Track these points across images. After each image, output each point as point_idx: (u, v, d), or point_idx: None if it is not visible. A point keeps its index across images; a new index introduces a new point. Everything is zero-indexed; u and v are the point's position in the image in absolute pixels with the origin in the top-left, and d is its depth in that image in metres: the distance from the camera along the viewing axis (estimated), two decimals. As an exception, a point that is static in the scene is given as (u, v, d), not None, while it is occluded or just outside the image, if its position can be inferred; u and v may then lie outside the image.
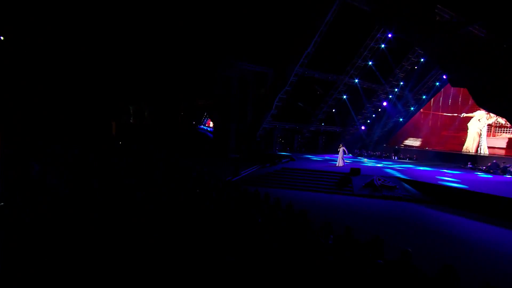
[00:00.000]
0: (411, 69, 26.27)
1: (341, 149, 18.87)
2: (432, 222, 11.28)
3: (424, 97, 28.12)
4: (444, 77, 25.99)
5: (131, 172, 9.77)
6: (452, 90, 27.18)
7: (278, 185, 16.02)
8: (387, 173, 16.75)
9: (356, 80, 25.52)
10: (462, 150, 24.84)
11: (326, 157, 24.32)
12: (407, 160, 25.47)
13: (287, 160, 20.76)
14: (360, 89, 25.97)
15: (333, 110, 27.51)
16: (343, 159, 19.08)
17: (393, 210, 12.89)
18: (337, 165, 18.09)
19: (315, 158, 23.32)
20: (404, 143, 28.66)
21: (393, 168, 19.15)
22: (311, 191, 15.31)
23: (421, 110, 28.27)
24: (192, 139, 29.71)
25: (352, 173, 16.15)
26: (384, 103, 27.95)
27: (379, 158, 26.19)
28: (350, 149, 26.88)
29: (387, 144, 28.94)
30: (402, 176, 15.76)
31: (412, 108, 28.74)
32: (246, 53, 23.58)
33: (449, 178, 16.34)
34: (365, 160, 24.38)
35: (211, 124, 36.53)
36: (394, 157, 26.42)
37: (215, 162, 21.49)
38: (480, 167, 21.49)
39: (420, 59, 25.64)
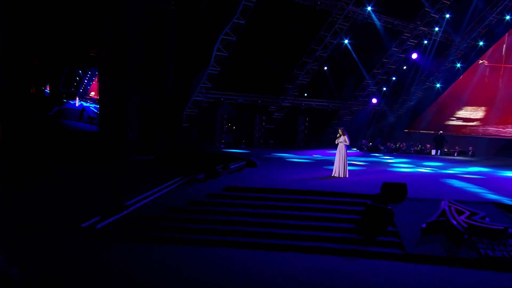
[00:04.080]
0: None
1: (342, 138, 15.71)
2: None
3: (481, 43, 26.53)
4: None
5: None
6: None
7: (218, 236, 10.95)
8: (458, 190, 14.02)
9: (369, 8, 22.93)
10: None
11: (315, 155, 22.38)
12: (456, 156, 24.25)
13: (240, 165, 17.31)
14: (379, 25, 23.94)
15: (325, 68, 26.65)
16: (346, 160, 15.86)
17: None
18: (333, 174, 15.58)
19: (295, 158, 21.26)
20: (457, 115, 28.01)
21: (456, 176, 16.88)
22: (302, 250, 10.36)
23: (485, 62, 26.72)
24: (56, 127, 25.79)
25: (387, 194, 12.23)
26: (414, 55, 26.46)
27: (407, 153, 25.10)
28: (353, 139, 25.66)
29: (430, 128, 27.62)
30: (504, 200, 12.28)
31: (459, 65, 27.63)
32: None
33: None
34: (389, 158, 22.71)
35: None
36: (437, 152, 24.66)
37: (92, 175, 17.50)
38: None
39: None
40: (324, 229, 10.93)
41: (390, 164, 19.83)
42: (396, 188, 12.14)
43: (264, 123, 25.89)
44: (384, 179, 13.01)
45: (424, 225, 10.54)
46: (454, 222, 10.44)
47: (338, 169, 15.17)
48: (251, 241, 10.43)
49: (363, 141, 26.53)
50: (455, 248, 10.01)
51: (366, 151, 25.35)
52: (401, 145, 25.61)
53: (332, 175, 15.21)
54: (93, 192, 14.26)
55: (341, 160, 15.24)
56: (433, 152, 24.57)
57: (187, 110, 22.92)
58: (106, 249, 9.49)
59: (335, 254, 9.97)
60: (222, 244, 10.32)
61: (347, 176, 15.12)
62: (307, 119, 26.96)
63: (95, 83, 30.96)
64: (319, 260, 9.62)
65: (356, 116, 28.05)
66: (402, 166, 19.42)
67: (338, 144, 15.41)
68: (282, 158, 20.73)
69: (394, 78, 27.26)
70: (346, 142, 15.38)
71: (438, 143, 24.73)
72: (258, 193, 12.87)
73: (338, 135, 15.57)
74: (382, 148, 25.69)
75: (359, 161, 19.98)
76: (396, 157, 23.15)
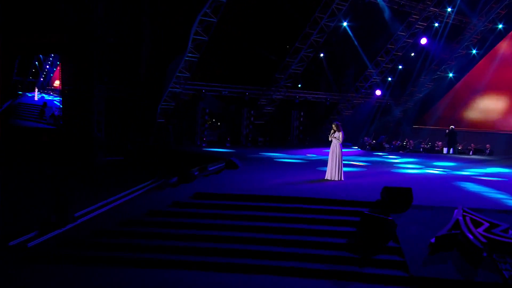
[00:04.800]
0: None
1: (337, 135, 15.44)
2: None
3: (500, 26, 26.77)
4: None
5: None
6: None
7: (179, 255, 10.43)
8: (474, 195, 13.84)
9: (372, -15, 23.60)
10: None
11: (309, 155, 22.66)
12: (471, 155, 24.61)
13: (220, 167, 17.05)
14: (383, 5, 24.02)
15: (321, 55, 26.95)
16: (341, 160, 15.57)
17: None
18: (326, 177, 15.39)
19: (286, 158, 21.60)
20: (472, 109, 28.14)
21: (472, 178, 16.89)
22: (283, 273, 9.94)
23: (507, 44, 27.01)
24: (7, 130, 24.19)
25: (389, 201, 11.97)
26: (423, 40, 26.81)
27: (415, 152, 25.40)
28: (355, 136, 26.99)
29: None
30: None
31: (474, 51, 27.84)
32: None
33: None
34: (394, 158, 23.00)
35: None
36: (449, 151, 25.00)
37: (44, 180, 16.79)
38: None
39: None
40: (311, 245, 10.42)
41: (395, 165, 19.91)
42: (399, 193, 11.72)
43: (252, 119, 25.96)
44: (386, 182, 12.79)
45: (433, 240, 10.13)
46: (470, 236, 10.02)
47: (332, 171, 14.87)
48: (220, 262, 9.84)
49: (366, 138, 26.72)
50: (472, 270, 9.57)
51: (368, 149, 25.52)
52: (408, 143, 25.76)
53: (325, 178, 14.89)
54: (38, 200, 13.57)
55: (335, 160, 14.91)
56: (445, 150, 24.63)
57: (162, 104, 22.80)
58: (37, 274, 8.75)
59: (323, 277, 9.54)
60: (184, 265, 9.70)
61: (343, 179, 14.86)
62: (301, 114, 27.08)
63: (59, 69, 28.54)
64: (304, 285, 9.22)
65: (358, 110, 28.23)
66: (408, 167, 19.50)
67: (331, 140, 15.12)
68: (271, 158, 20.80)
69: (400, 67, 27.48)
70: (339, 139, 15.14)
71: (450, 139, 24.76)
72: (234, 200, 12.47)
73: (332, 130, 15.21)
74: (386, 146, 25.90)
75: (360, 161, 20.05)
76: (402, 156, 23.31)
